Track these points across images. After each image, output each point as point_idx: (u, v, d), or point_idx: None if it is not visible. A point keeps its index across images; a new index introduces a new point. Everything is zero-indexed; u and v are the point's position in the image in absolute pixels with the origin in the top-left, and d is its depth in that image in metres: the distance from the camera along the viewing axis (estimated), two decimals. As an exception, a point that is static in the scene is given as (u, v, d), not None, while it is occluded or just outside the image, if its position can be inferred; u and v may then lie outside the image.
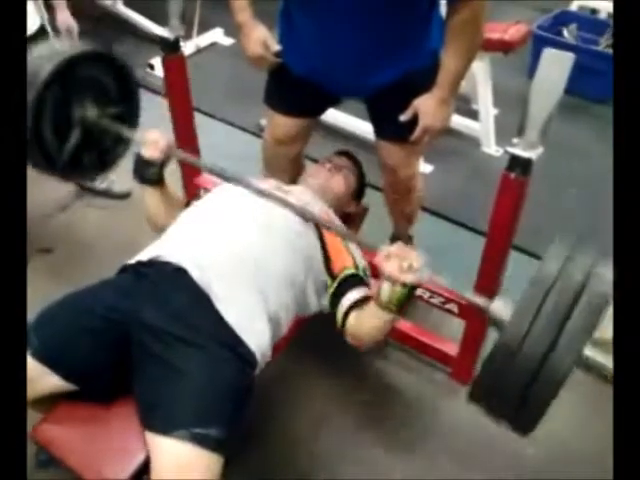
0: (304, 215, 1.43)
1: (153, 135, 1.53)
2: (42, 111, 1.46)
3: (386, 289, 1.23)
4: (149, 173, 1.55)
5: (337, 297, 1.45)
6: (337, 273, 1.47)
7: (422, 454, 1.80)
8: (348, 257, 1.51)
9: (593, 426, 1.86)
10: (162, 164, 1.56)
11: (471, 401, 1.13)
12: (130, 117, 1.70)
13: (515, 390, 1.02)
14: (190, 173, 2.25)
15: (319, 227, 1.51)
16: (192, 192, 2.25)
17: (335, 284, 1.46)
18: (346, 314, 1.42)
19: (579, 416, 1.91)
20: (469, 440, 1.83)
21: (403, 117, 1.64)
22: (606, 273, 1.00)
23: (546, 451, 1.80)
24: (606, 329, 2.01)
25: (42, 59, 1.45)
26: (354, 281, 1.47)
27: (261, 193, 1.45)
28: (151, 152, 1.51)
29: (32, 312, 1.30)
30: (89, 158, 1.66)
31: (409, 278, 1.18)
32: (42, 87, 1.42)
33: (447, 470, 1.76)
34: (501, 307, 1.10)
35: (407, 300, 1.24)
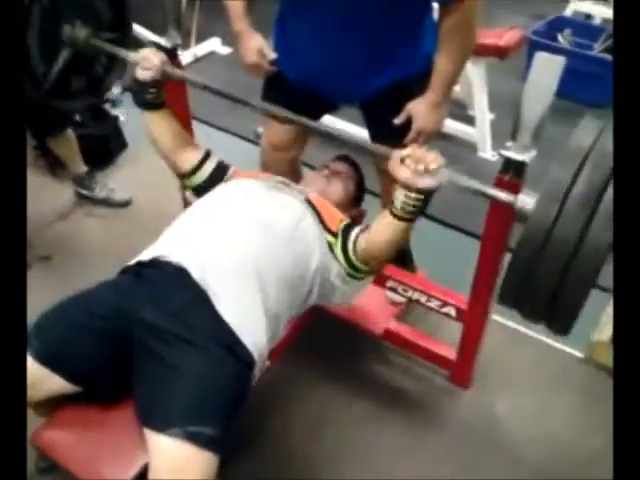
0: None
1: (145, 53, 1.54)
2: (29, 28, 1.41)
3: (400, 196, 1.18)
4: (148, 95, 1.57)
5: (345, 241, 1.48)
6: (336, 229, 1.51)
7: (423, 456, 1.80)
8: (339, 213, 1.57)
9: (594, 428, 1.86)
10: (160, 85, 1.57)
11: (501, 303, 1.05)
12: (122, 44, 1.65)
13: (547, 283, 0.92)
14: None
15: (311, 203, 1.55)
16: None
17: (339, 235, 1.49)
18: (356, 241, 1.45)
19: (580, 417, 1.92)
20: (469, 441, 1.84)
21: (397, 120, 1.65)
22: None
23: (546, 453, 1.81)
24: (604, 330, 2.03)
25: None
26: (352, 225, 1.52)
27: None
28: (146, 72, 1.53)
29: (32, 319, 1.30)
30: (77, 83, 1.62)
31: (425, 182, 1.13)
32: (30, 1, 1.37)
33: (448, 472, 1.76)
34: (527, 198, 1.02)
35: (424, 207, 1.20)
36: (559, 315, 0.99)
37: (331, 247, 1.50)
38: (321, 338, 2.07)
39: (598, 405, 1.88)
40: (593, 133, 0.93)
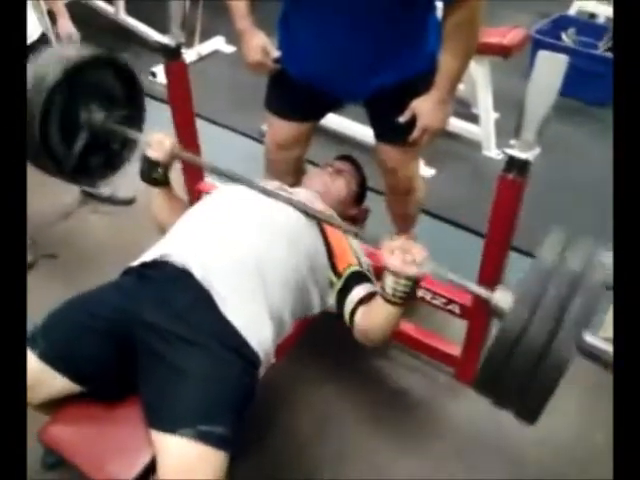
0: (307, 212, 1.46)
1: (158, 136, 1.57)
2: (50, 115, 1.49)
3: (390, 282, 1.25)
4: (155, 174, 1.58)
5: (344, 294, 1.46)
6: (342, 271, 1.48)
7: (426, 454, 1.81)
8: (352, 255, 1.52)
9: (596, 424, 1.86)
10: (167, 165, 1.59)
11: (476, 391, 1.13)
12: (136, 120, 1.73)
13: (518, 378, 1.02)
14: (193, 179, 2.27)
15: (322, 226, 1.51)
16: (194, 198, 2.27)
17: (341, 281, 1.47)
18: (354, 311, 1.42)
19: (583, 414, 1.92)
20: (473, 440, 1.84)
21: (402, 118, 1.66)
22: (603, 261, 1.01)
23: (549, 451, 1.81)
24: (608, 329, 2.02)
25: (49, 64, 1.48)
26: (359, 278, 1.47)
27: (265, 192, 1.48)
28: (156, 153, 1.55)
29: (38, 317, 1.32)
30: (96, 161, 1.70)
31: (412, 271, 1.21)
32: (50, 91, 1.45)
33: (451, 470, 1.76)
34: (503, 296, 1.11)
35: (411, 292, 1.26)
36: (528, 407, 1.09)
37: (330, 283, 1.48)
38: (325, 335, 2.07)
39: (601, 402, 1.88)
40: (556, 251, 1.05)
